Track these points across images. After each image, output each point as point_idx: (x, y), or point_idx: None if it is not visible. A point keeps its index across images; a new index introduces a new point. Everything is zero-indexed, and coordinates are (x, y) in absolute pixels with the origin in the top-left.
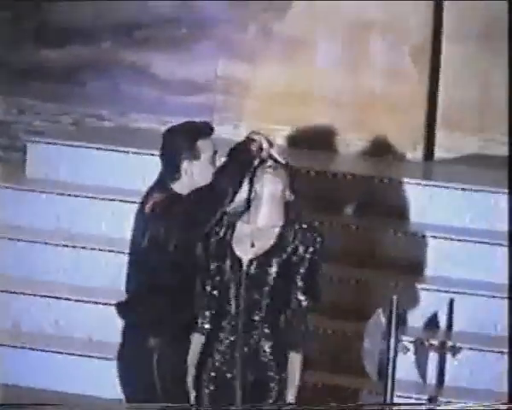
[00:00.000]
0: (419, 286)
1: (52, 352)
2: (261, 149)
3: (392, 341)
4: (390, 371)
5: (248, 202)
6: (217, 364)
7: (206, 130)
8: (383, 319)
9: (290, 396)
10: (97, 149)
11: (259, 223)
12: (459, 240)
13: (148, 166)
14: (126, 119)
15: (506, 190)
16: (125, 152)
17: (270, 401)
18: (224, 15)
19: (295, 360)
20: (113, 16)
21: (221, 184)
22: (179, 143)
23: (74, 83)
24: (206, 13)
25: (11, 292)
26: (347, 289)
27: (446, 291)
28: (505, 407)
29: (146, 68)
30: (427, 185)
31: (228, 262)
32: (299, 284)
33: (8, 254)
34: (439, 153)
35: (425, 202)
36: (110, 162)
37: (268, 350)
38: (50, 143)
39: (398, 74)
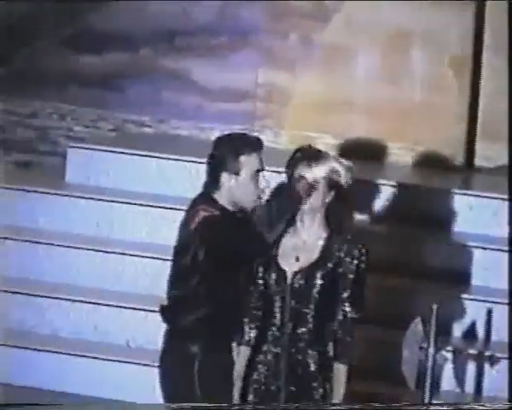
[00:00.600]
0: (460, 296)
1: (91, 358)
2: (313, 187)
3: (431, 350)
4: (428, 379)
5: (293, 216)
6: (262, 376)
7: (252, 145)
8: (421, 328)
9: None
10: (137, 155)
11: (303, 236)
12: (498, 250)
13: (188, 173)
14: (166, 125)
15: None
16: (165, 158)
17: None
18: (265, 24)
19: (341, 371)
20: (153, 23)
21: (264, 221)
22: (222, 153)
23: (114, 89)
24: (246, 21)
25: (50, 298)
26: (390, 298)
27: (485, 301)
28: (505, 406)
29: (186, 75)
30: (467, 195)
31: (273, 275)
32: (345, 295)
33: (46, 260)
34: (479, 163)
35: (465, 211)
36: (150, 169)
37: (313, 362)
38: (90, 148)
39: (438, 85)
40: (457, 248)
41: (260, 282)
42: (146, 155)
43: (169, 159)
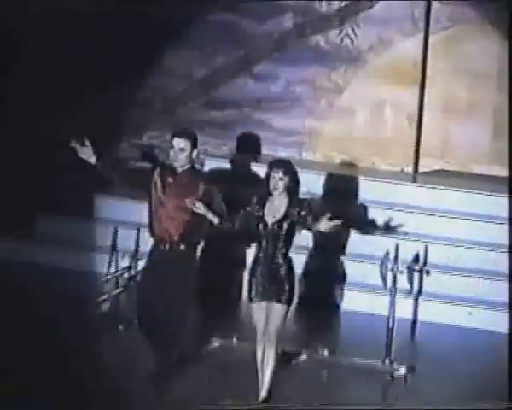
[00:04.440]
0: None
1: None
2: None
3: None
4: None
5: (271, 194)
6: (258, 275)
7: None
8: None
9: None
10: None
11: (276, 203)
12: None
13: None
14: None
15: None
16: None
17: (284, 294)
18: (308, 94)
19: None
20: (250, 93)
21: None
22: None
23: (229, 131)
24: (299, 93)
25: None
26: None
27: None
28: (505, 406)
29: (267, 122)
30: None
31: (261, 225)
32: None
33: None
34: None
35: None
36: None
37: (283, 268)
38: None
39: None
40: None
41: (257, 228)
42: None
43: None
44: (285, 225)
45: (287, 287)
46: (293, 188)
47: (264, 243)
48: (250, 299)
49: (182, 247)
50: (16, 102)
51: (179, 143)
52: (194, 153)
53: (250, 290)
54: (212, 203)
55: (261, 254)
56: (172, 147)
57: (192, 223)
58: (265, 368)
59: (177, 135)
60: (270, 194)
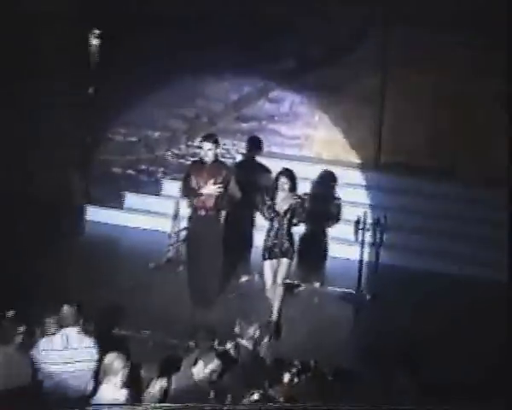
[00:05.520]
0: None
1: None
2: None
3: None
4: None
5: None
6: (270, 240)
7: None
8: None
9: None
10: None
11: (282, 198)
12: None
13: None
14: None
15: None
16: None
17: (289, 254)
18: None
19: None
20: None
21: None
22: None
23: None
24: (305, 117)
25: None
26: None
27: None
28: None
29: (276, 131)
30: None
31: (272, 213)
32: (296, 218)
33: None
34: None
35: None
36: None
37: (286, 241)
38: None
39: None
40: None
41: (270, 215)
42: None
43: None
44: (288, 213)
45: (290, 249)
46: (293, 188)
47: (275, 223)
48: (264, 258)
49: (212, 212)
50: None
51: (207, 145)
52: (218, 150)
53: (264, 254)
54: (229, 186)
55: (271, 233)
56: (202, 148)
57: (217, 197)
58: (276, 299)
59: (205, 140)
60: (277, 190)
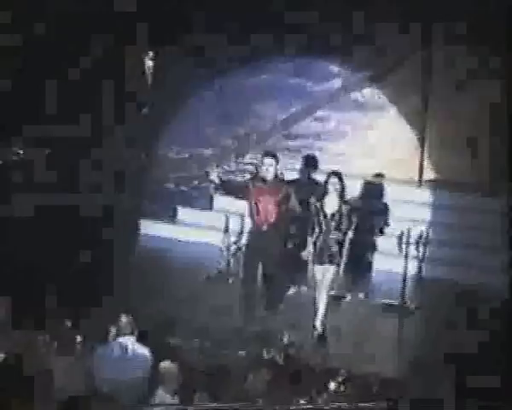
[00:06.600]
0: None
1: None
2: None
3: None
4: None
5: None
6: (318, 243)
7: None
8: None
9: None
10: None
11: (331, 201)
12: None
13: None
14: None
15: None
16: None
17: (336, 260)
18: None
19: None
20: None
21: None
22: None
23: None
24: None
25: None
26: None
27: None
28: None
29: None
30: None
31: (322, 215)
32: (344, 225)
33: None
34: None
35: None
36: None
37: (334, 245)
38: None
39: None
40: None
41: (318, 218)
42: None
43: None
44: (336, 216)
45: (337, 254)
46: (342, 193)
47: (323, 226)
48: (313, 263)
49: (273, 228)
50: None
51: (268, 161)
52: (278, 167)
53: (313, 259)
54: (290, 200)
55: (320, 237)
56: (263, 164)
57: (278, 212)
58: (320, 306)
59: (267, 156)
60: (327, 194)
